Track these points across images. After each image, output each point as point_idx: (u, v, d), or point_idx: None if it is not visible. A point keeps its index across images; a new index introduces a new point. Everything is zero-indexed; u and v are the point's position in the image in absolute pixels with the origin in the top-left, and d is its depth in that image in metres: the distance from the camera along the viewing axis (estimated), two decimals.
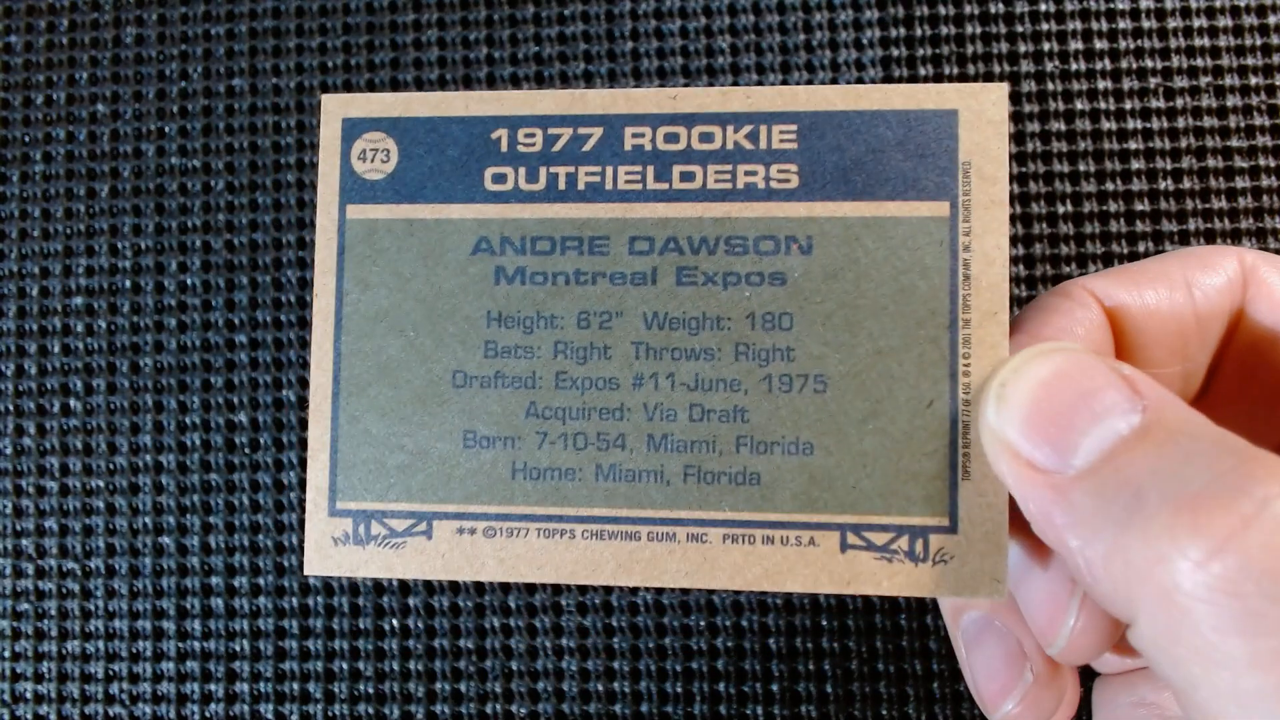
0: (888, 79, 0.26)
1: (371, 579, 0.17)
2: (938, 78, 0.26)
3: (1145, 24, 0.26)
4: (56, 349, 0.27)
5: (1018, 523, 0.16)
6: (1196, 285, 0.17)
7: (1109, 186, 0.26)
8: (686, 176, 0.17)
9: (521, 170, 0.18)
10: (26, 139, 0.27)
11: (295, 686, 0.25)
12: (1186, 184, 0.25)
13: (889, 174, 0.17)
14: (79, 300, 0.27)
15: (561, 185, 0.17)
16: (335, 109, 0.18)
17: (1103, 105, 0.26)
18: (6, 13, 0.28)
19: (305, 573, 0.17)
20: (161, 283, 0.27)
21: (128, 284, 0.27)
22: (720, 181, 0.17)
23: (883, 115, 0.17)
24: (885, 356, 0.17)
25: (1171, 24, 0.26)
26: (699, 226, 0.17)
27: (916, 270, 0.17)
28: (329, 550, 0.17)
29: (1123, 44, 0.26)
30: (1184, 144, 0.26)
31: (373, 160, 0.18)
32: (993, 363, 0.16)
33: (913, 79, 0.26)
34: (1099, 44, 0.26)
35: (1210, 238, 0.25)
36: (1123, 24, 0.26)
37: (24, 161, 0.27)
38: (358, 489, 0.17)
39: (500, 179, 0.18)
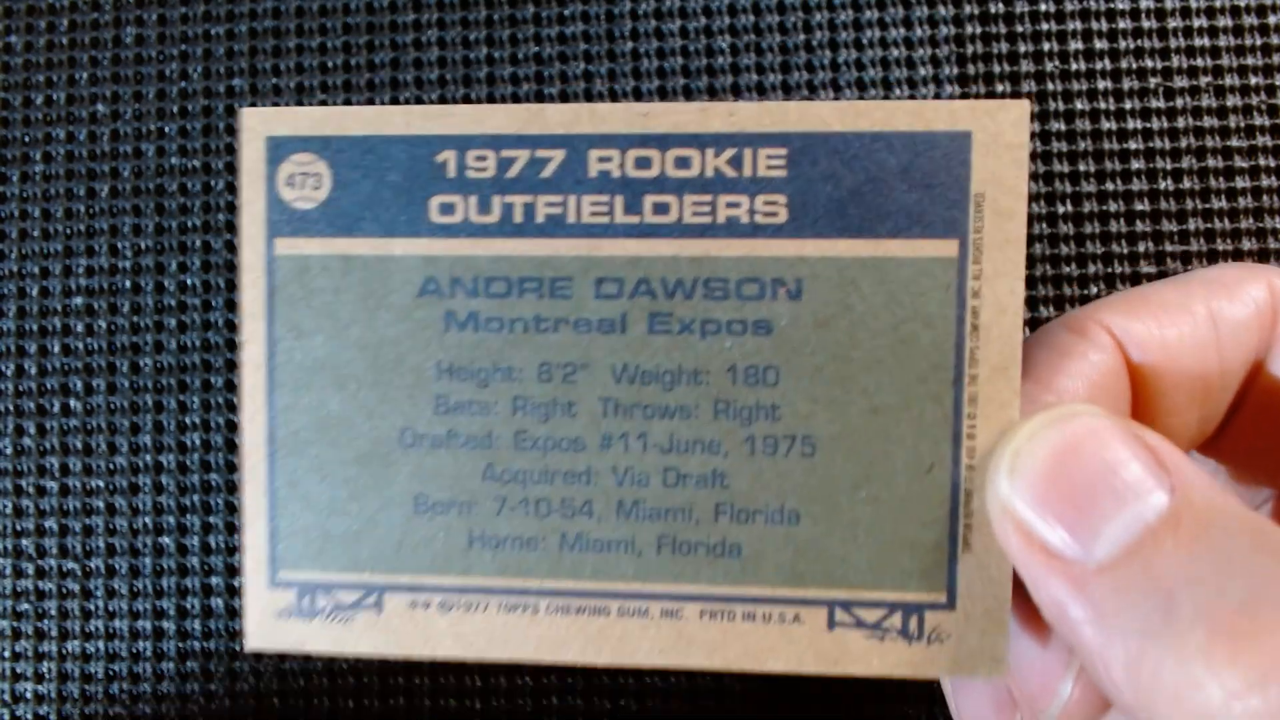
0: (887, 80, 0.26)
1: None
2: (937, 79, 0.26)
3: (1145, 24, 0.26)
4: (56, 349, 0.27)
5: (1015, 591, 0.15)
6: (1223, 320, 0.16)
7: (1109, 186, 0.26)
8: (660, 209, 0.15)
9: (472, 200, 0.15)
10: (26, 139, 0.27)
11: (301, 683, 0.25)
12: (1186, 184, 0.25)
13: (890, 207, 0.15)
14: (79, 300, 0.27)
15: (518, 218, 0.15)
16: (257, 126, 0.16)
17: (1103, 105, 0.26)
18: (6, 13, 0.28)
19: (248, 648, 0.16)
20: (161, 283, 0.27)
21: (128, 284, 0.27)
22: (699, 215, 0.15)
23: (885, 137, 0.15)
24: (881, 416, 0.15)
25: (1171, 24, 0.26)
26: (674, 267, 0.15)
27: (919, 319, 0.15)
28: (272, 624, 0.16)
29: (1123, 44, 0.26)
30: (1184, 144, 0.26)
31: (303, 187, 0.16)
32: (1002, 424, 0.15)
33: (912, 80, 0.26)
34: (1099, 44, 0.26)
35: (1210, 238, 0.25)
36: (1123, 24, 0.26)
37: (24, 161, 0.27)
38: (300, 558, 0.16)
39: (448, 209, 0.15)
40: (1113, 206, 0.25)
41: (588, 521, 0.15)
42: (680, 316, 0.15)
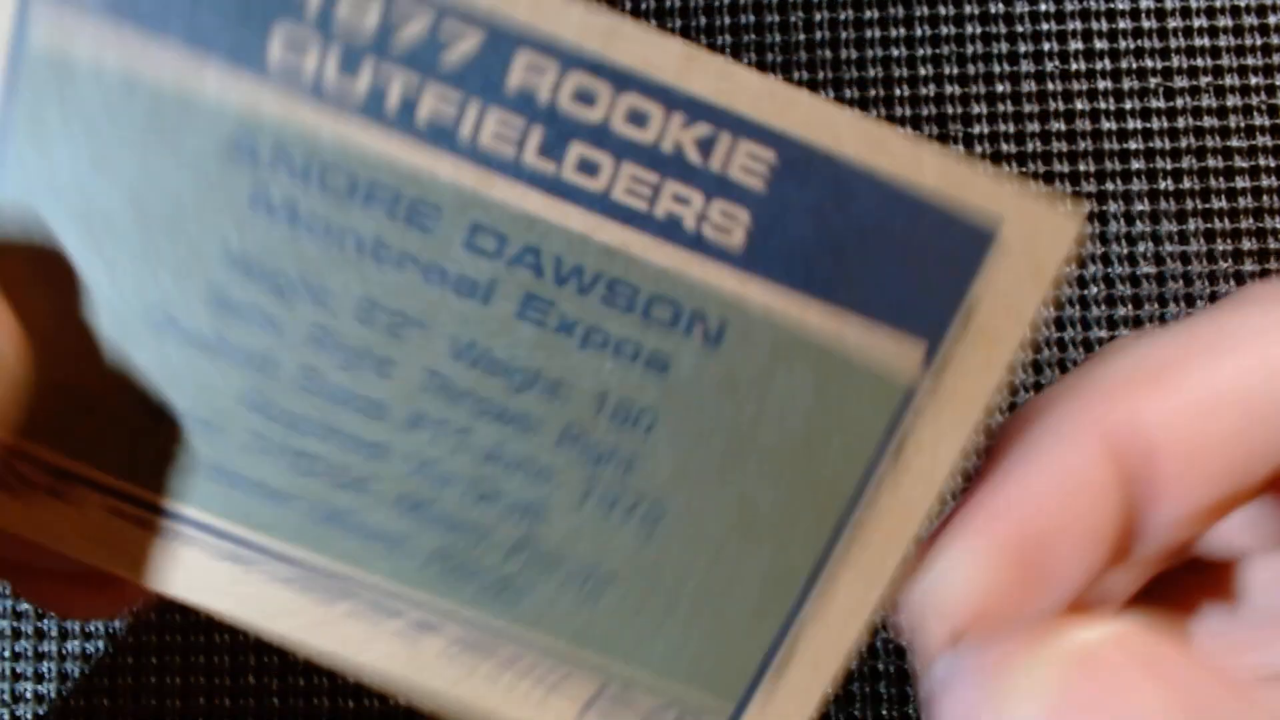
0: (889, 79, 0.26)
1: None
2: (938, 78, 0.26)
3: (1145, 24, 0.26)
4: None
5: None
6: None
7: (1109, 186, 0.26)
8: (587, 167, 0.11)
9: (334, 52, 0.11)
10: None
11: (302, 680, 0.25)
12: (1186, 184, 0.26)
13: (869, 275, 0.11)
14: None
15: (392, 102, 0.11)
16: None
17: (1102, 105, 0.26)
18: None
19: None
20: None
21: None
22: (634, 195, 0.11)
23: (901, 187, 0.11)
24: (749, 510, 0.12)
25: (1171, 24, 0.26)
26: (578, 248, 0.11)
27: (839, 420, 0.12)
28: None
29: (1123, 44, 0.26)
30: (1184, 144, 0.26)
31: None
32: (874, 576, 0.12)
33: (913, 79, 0.26)
34: (1099, 44, 0.26)
35: (1210, 238, 0.25)
36: (1123, 24, 0.26)
37: None
38: None
39: (296, 49, 0.11)
40: (1113, 207, 0.26)
41: (357, 500, 0.12)
42: (563, 311, 0.12)
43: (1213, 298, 0.25)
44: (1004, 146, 0.26)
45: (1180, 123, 0.26)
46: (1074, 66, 0.26)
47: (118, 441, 0.12)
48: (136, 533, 0.12)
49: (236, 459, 0.12)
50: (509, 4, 0.11)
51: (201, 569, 0.12)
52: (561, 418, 0.12)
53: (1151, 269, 0.25)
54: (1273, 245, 0.25)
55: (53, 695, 0.26)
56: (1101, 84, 0.26)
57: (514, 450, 0.12)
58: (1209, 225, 0.25)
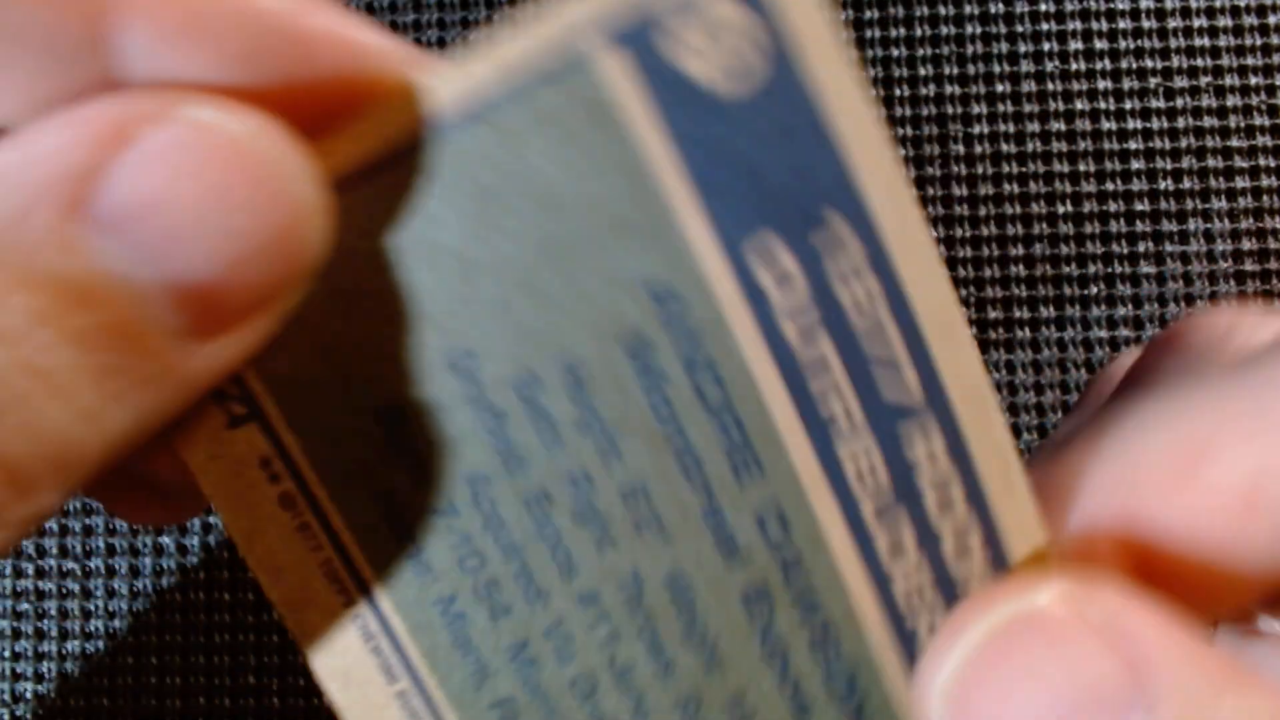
0: (889, 79, 0.26)
1: None
2: (938, 79, 0.26)
3: (1145, 24, 0.26)
4: None
5: None
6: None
7: (1109, 186, 0.26)
8: (899, 550, 0.11)
9: (801, 309, 0.11)
10: None
11: (302, 681, 0.25)
12: (1186, 184, 0.26)
13: None
14: None
15: (812, 369, 0.11)
16: None
17: (1102, 105, 0.26)
18: None
19: None
20: None
21: None
22: (910, 604, 0.12)
23: None
24: None
25: (1171, 24, 0.26)
26: (833, 598, 0.12)
27: None
28: None
29: (1123, 44, 0.26)
30: (1184, 144, 0.26)
31: (710, 47, 0.10)
32: None
33: (913, 79, 0.26)
34: (1099, 44, 0.26)
35: (1210, 238, 0.25)
36: (1123, 24, 0.26)
37: None
38: None
39: (780, 269, 0.11)
40: (1112, 206, 0.26)
41: (484, 620, 0.12)
42: (777, 621, 0.12)
43: (1212, 297, 0.25)
44: (1004, 146, 0.26)
45: (1180, 123, 0.26)
46: (1074, 66, 0.26)
47: (323, 414, 0.11)
48: (271, 501, 0.11)
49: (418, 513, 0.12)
50: (967, 401, 0.11)
51: (303, 576, 0.12)
52: (696, 689, 0.12)
53: (1151, 269, 0.25)
54: (1273, 245, 0.25)
55: (53, 695, 0.26)
56: (1101, 84, 0.26)
57: (639, 681, 0.12)
58: (1209, 225, 0.25)
